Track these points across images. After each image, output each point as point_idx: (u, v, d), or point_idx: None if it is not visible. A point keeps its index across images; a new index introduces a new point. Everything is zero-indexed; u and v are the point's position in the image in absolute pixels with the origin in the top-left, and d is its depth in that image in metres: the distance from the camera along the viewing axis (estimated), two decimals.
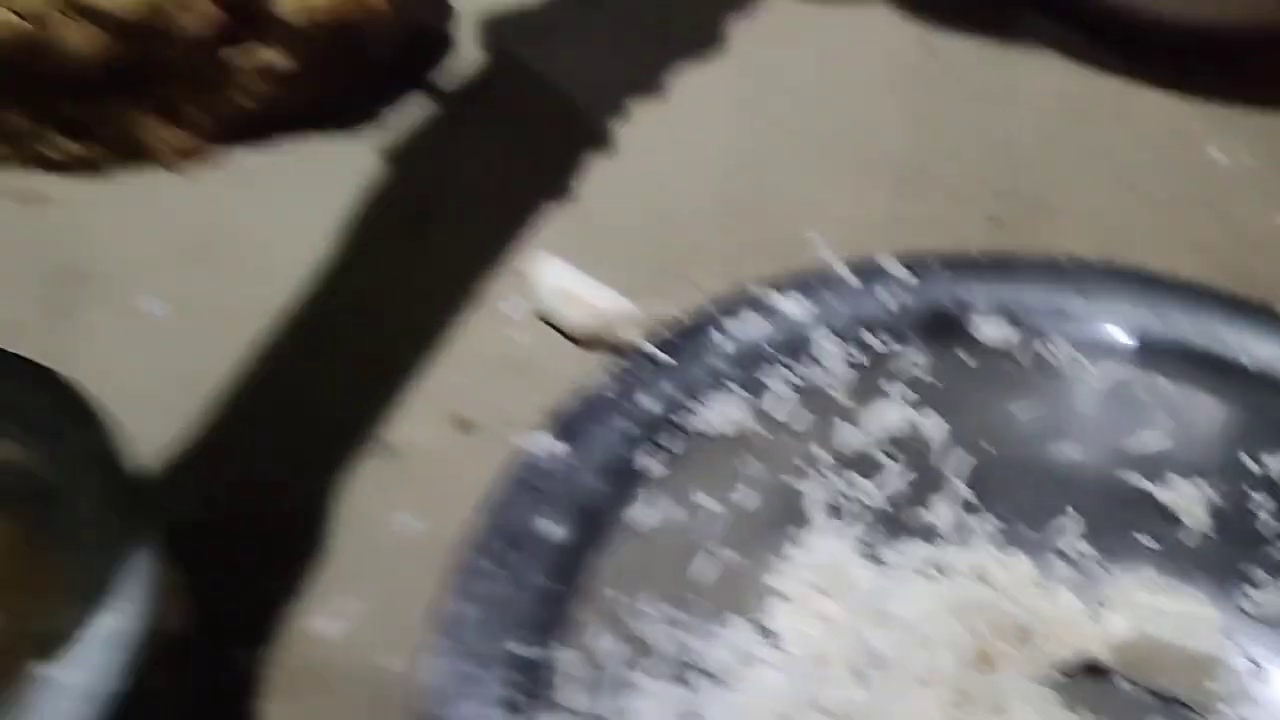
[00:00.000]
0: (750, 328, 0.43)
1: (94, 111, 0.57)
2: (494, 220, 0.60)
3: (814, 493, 0.41)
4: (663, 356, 0.41)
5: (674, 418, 0.39)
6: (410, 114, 0.65)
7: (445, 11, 0.70)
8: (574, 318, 0.54)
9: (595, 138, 0.65)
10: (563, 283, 0.55)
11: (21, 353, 0.38)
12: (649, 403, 0.40)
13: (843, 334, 0.43)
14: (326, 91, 0.63)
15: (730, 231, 0.61)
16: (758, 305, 0.43)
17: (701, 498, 0.39)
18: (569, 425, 0.39)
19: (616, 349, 0.53)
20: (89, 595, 0.30)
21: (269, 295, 0.54)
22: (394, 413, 0.51)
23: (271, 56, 0.59)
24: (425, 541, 0.44)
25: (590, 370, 0.52)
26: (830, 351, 0.42)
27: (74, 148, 0.58)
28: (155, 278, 0.54)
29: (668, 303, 0.55)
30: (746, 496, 0.40)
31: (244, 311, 0.53)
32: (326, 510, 0.46)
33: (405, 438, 0.50)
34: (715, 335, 0.42)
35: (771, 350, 0.42)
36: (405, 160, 0.62)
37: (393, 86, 0.66)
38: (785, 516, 0.40)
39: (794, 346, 0.42)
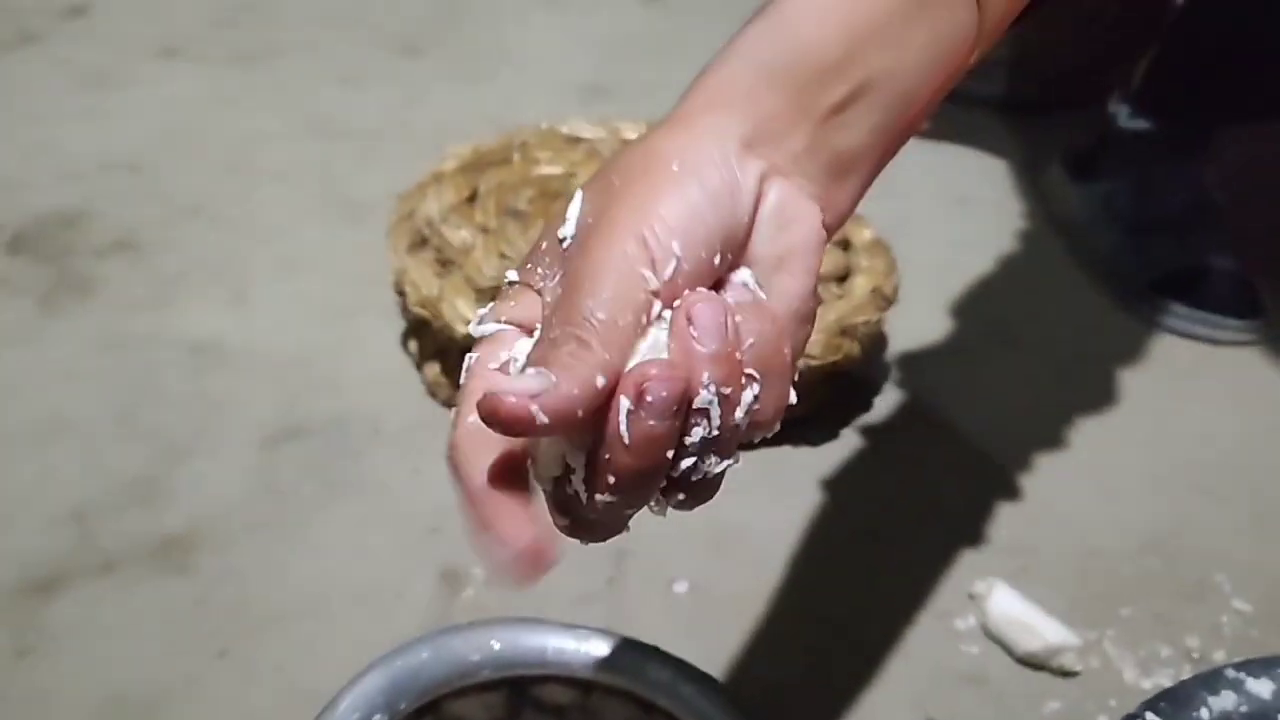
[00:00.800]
0: (1225, 702, 0.52)
1: None
2: (939, 545, 0.72)
3: None
4: (1153, 718, 0.51)
5: None
6: (850, 443, 0.79)
7: (880, 361, 0.85)
8: (1020, 640, 0.65)
9: (1006, 484, 0.76)
10: (1012, 608, 0.66)
11: (583, 617, 0.51)
12: None
13: None
14: (801, 411, 0.77)
15: (1148, 571, 0.71)
16: (1234, 684, 0.52)
17: None
18: None
19: (1059, 672, 0.64)
20: None
21: (764, 585, 0.68)
22: (871, 708, 0.62)
23: None
24: None
25: (1035, 689, 0.63)
26: None
27: None
28: (681, 561, 0.69)
29: (1097, 631, 0.66)
30: None
31: (746, 596, 0.67)
32: None
33: None
34: (1198, 706, 0.52)
35: None
36: (850, 484, 0.76)
37: (837, 415, 0.80)
38: None
39: None
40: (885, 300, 0.78)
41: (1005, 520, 0.74)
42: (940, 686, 0.64)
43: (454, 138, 0.87)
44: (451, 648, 0.49)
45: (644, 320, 0.31)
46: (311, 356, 0.81)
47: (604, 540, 0.34)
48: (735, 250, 0.34)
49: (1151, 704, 0.53)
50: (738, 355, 0.32)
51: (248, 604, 0.64)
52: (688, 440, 0.31)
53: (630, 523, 0.34)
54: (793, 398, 0.34)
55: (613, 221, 0.32)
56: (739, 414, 0.32)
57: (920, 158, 1.06)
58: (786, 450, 0.78)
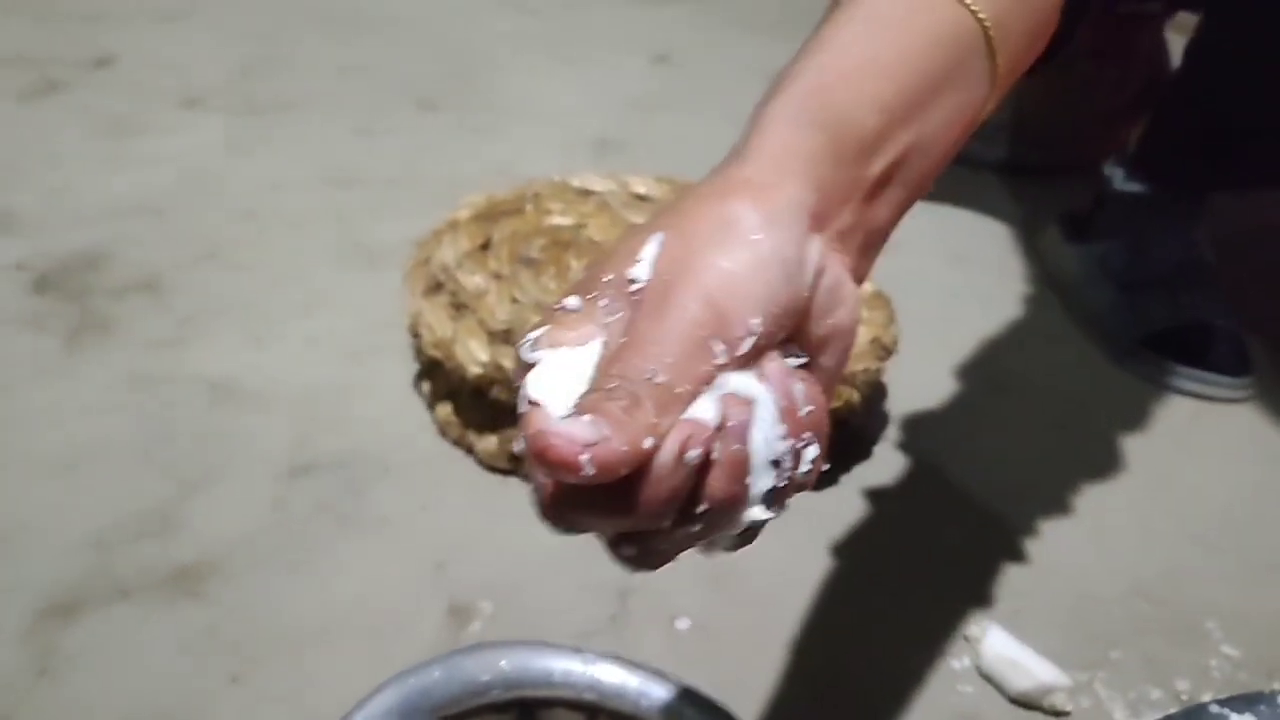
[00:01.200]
0: None
1: None
2: (935, 588, 0.73)
3: None
4: None
5: None
6: (849, 490, 0.81)
7: (880, 411, 0.87)
8: (1013, 680, 0.67)
9: (1000, 531, 0.78)
10: (1005, 649, 0.68)
11: (592, 651, 0.53)
12: None
13: None
14: None
15: (1139, 615, 0.73)
16: (1219, 719, 0.54)
17: None
18: None
19: (1050, 711, 0.65)
20: None
21: (765, 624, 0.69)
22: None
23: None
24: None
25: None
26: None
27: None
28: (683, 598, 0.70)
29: (1089, 673, 0.68)
30: None
31: (748, 634, 0.68)
32: None
33: None
34: None
35: None
36: (848, 528, 0.78)
37: (837, 463, 0.82)
38: None
39: None
40: (885, 350, 0.80)
41: (1000, 565, 0.76)
42: None
43: (467, 189, 0.90)
44: (462, 667, 0.51)
45: (702, 389, 0.32)
46: (325, 395, 0.83)
47: (653, 569, 0.35)
48: (796, 324, 0.35)
49: None
50: (800, 416, 0.33)
51: (259, 632, 0.65)
52: (754, 490, 0.33)
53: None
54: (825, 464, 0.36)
55: (690, 284, 0.33)
56: (801, 470, 0.34)
57: (921, 218, 1.08)
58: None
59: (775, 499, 0.34)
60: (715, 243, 0.33)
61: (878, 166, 0.37)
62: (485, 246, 0.84)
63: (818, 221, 0.35)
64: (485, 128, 1.20)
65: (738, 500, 0.33)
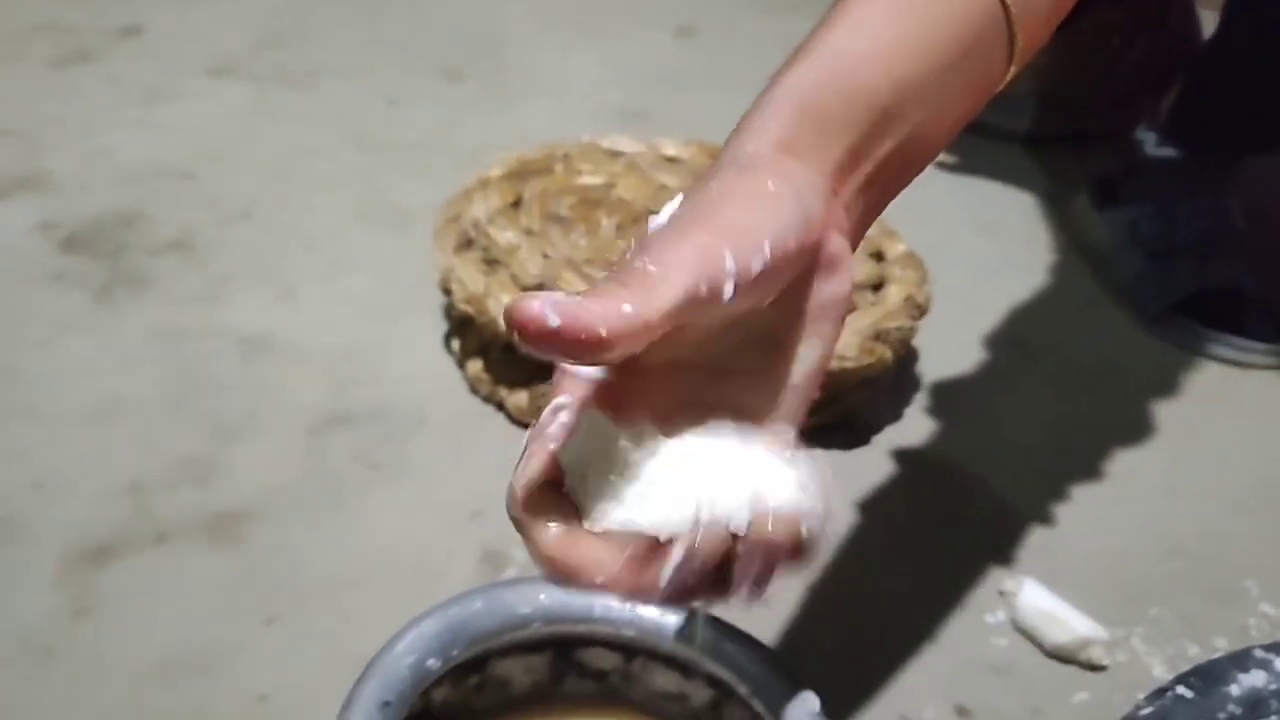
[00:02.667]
0: (1255, 679, 0.53)
1: None
2: (968, 546, 0.73)
3: None
4: (1184, 692, 0.52)
5: None
6: (881, 449, 0.81)
7: (911, 373, 0.87)
8: (1049, 633, 0.66)
9: (1033, 492, 0.78)
10: (1041, 602, 0.68)
11: None
12: None
13: None
14: (833, 417, 0.79)
15: (1176, 575, 0.73)
16: (1264, 664, 0.54)
17: None
18: None
19: (1087, 665, 0.65)
20: None
21: (802, 579, 0.69)
22: (902, 693, 0.63)
23: None
24: None
25: (1063, 680, 0.64)
26: None
27: None
28: None
29: (1125, 630, 0.68)
30: None
31: (781, 587, 0.68)
32: None
33: (917, 715, 0.62)
34: (1229, 683, 0.53)
35: (1275, 702, 0.52)
36: (880, 487, 0.78)
37: (868, 423, 0.82)
38: None
39: None
40: (918, 309, 0.80)
41: (1032, 526, 0.75)
42: (970, 677, 0.65)
43: (493, 156, 0.90)
44: (503, 599, 0.50)
45: (704, 292, 0.31)
46: (357, 351, 0.83)
47: None
48: (801, 282, 0.35)
49: (1183, 678, 0.54)
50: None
51: (295, 576, 0.65)
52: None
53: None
54: None
55: (703, 219, 0.33)
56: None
57: (949, 188, 1.09)
58: (818, 454, 0.79)
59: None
60: (729, 197, 0.34)
61: (889, 143, 0.38)
62: (516, 204, 0.84)
63: (828, 192, 0.36)
64: (509, 98, 1.20)
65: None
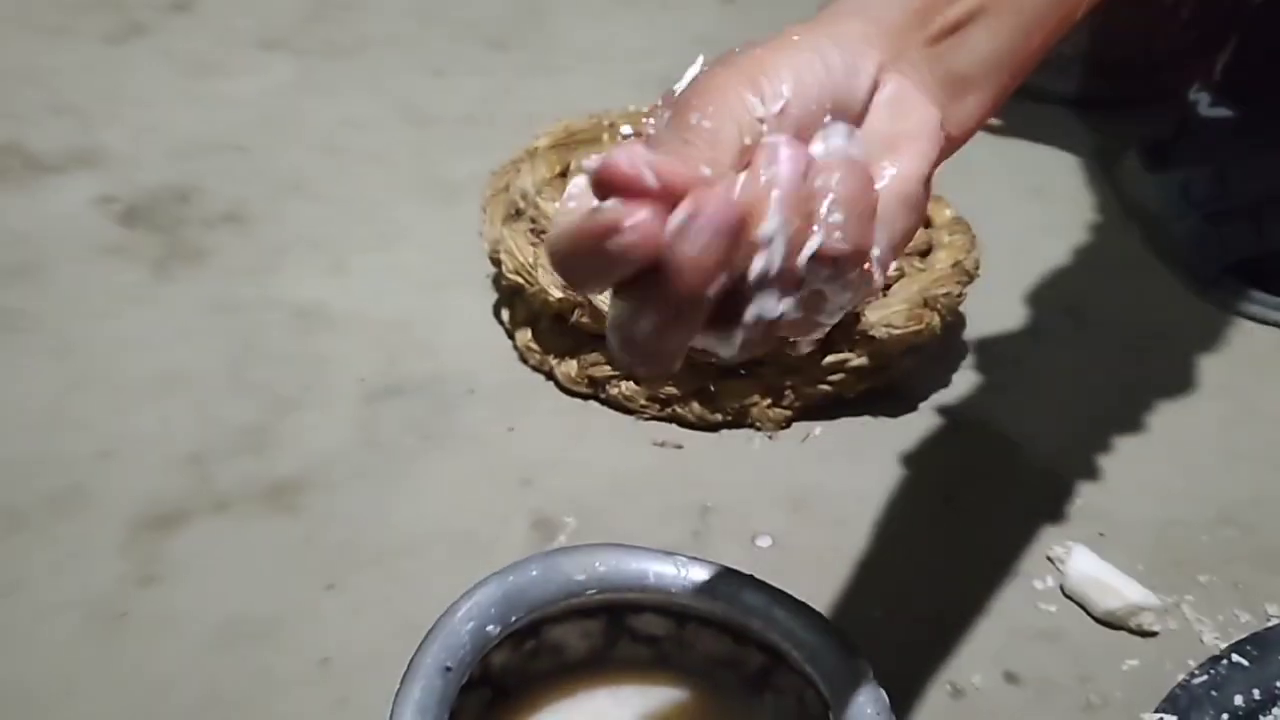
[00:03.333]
0: None
1: (721, 387, 0.76)
2: (1016, 511, 0.73)
3: None
4: (1240, 660, 0.52)
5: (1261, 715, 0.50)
6: (928, 416, 0.81)
7: (959, 339, 0.87)
8: (1099, 599, 0.66)
9: (1081, 458, 0.78)
10: (1091, 568, 0.68)
11: (683, 555, 0.54)
12: (1239, 699, 0.51)
13: None
14: (881, 384, 0.79)
15: (1227, 541, 0.72)
16: None
17: None
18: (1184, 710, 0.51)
19: (1137, 632, 0.65)
20: None
21: (844, 544, 0.70)
22: (950, 660, 0.64)
23: (853, 357, 0.77)
24: None
25: (1113, 647, 0.64)
26: None
27: (703, 412, 0.77)
28: (763, 519, 0.71)
29: (1176, 596, 0.68)
30: None
31: (828, 553, 0.69)
32: None
33: (966, 682, 0.62)
34: None
35: None
36: (928, 453, 0.78)
37: (916, 389, 0.82)
38: None
39: None
40: (966, 275, 0.80)
41: (1081, 491, 0.75)
42: (1018, 642, 0.65)
43: (539, 125, 0.91)
44: (559, 567, 0.51)
45: (747, 140, 0.32)
46: (409, 322, 0.84)
47: (657, 374, 0.35)
48: (847, 118, 0.35)
49: (1238, 646, 0.54)
50: (811, 206, 0.32)
51: (353, 543, 0.67)
52: (748, 275, 0.31)
53: (677, 361, 0.33)
54: (879, 279, 0.35)
55: (725, 64, 0.34)
56: (801, 257, 0.32)
57: (996, 151, 1.08)
58: (866, 420, 0.79)
59: (774, 286, 0.32)
60: (753, 47, 0.35)
61: (955, 11, 0.37)
62: (563, 174, 0.85)
63: (873, 45, 0.36)
64: (554, 68, 1.20)
65: (695, 281, 0.30)
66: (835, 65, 0.35)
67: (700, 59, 0.36)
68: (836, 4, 0.38)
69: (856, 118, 0.36)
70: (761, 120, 0.32)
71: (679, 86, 0.35)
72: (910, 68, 0.37)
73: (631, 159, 0.29)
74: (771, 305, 0.32)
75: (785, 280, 0.32)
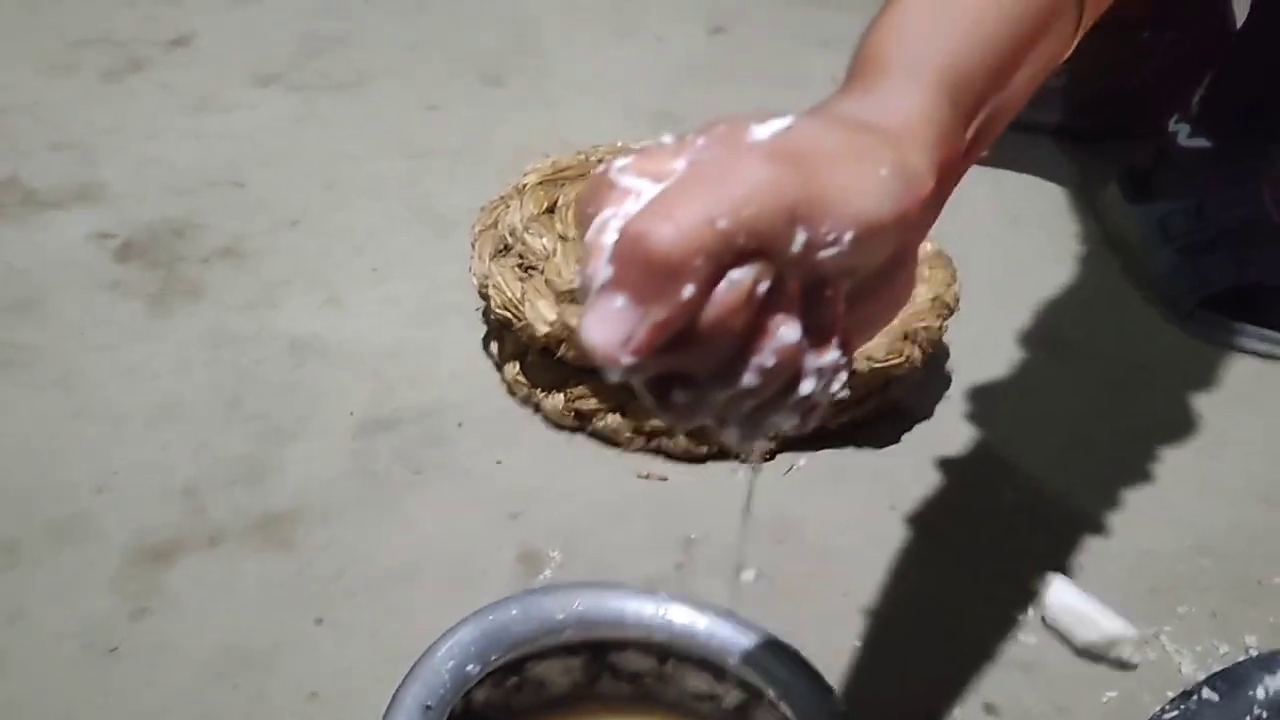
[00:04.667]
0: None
1: None
2: (997, 542, 0.75)
3: None
4: (1210, 695, 0.53)
5: None
6: (911, 447, 0.82)
7: (941, 370, 0.88)
8: (1078, 631, 0.68)
9: (1061, 488, 0.79)
10: (1070, 600, 0.69)
11: (664, 593, 0.55)
12: None
13: None
14: (864, 415, 0.81)
15: (1205, 572, 0.74)
16: None
17: None
18: None
19: (1116, 664, 0.66)
20: None
21: (826, 576, 0.71)
22: (929, 690, 0.65)
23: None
24: None
25: (1092, 679, 0.65)
26: None
27: (688, 445, 0.78)
28: (750, 552, 0.72)
29: (1154, 628, 0.69)
30: None
31: (810, 584, 0.70)
32: None
33: (945, 714, 0.64)
34: (1254, 686, 0.54)
35: None
36: (910, 485, 0.79)
37: (899, 421, 0.84)
38: None
39: None
40: (946, 308, 0.81)
41: (1061, 522, 0.76)
42: (997, 674, 0.66)
43: (532, 157, 0.92)
44: (539, 605, 0.53)
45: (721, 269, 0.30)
46: (401, 354, 0.86)
47: (692, 423, 0.34)
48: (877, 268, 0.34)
49: (1209, 681, 0.55)
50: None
51: (343, 576, 0.68)
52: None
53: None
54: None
55: (802, 157, 0.31)
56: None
57: (978, 181, 1.09)
58: (849, 452, 0.81)
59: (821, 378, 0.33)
60: (842, 150, 0.32)
61: (974, 128, 0.38)
62: (551, 210, 0.86)
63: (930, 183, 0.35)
64: (548, 100, 1.22)
65: (796, 353, 0.31)
66: (901, 208, 0.33)
67: (793, 120, 0.33)
68: (897, 102, 0.35)
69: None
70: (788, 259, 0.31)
71: (754, 131, 0.32)
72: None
73: (609, 343, 0.29)
74: (812, 386, 0.33)
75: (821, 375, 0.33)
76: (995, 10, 0.39)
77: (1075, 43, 0.42)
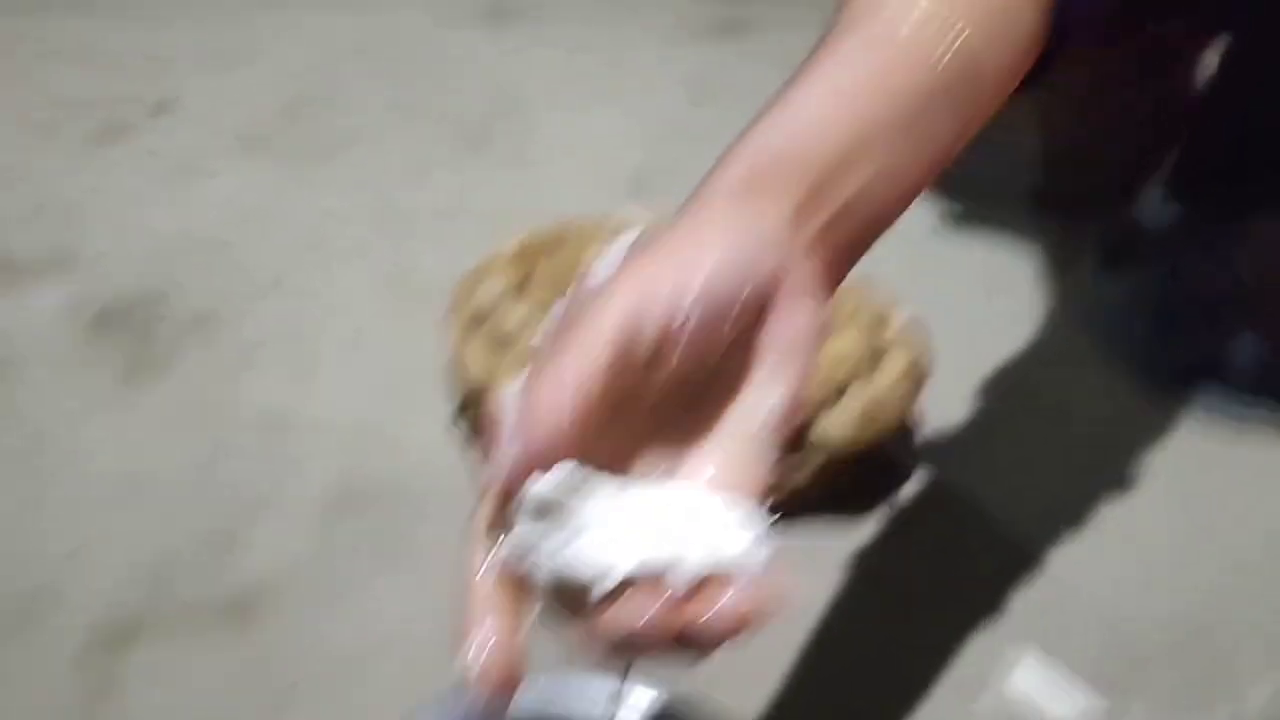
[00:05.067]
0: None
1: None
2: (966, 618, 0.74)
3: None
4: None
5: None
6: (881, 520, 0.82)
7: (912, 441, 0.88)
8: (1046, 708, 0.67)
9: (1033, 559, 0.79)
10: (1038, 677, 0.69)
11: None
12: None
13: None
14: (833, 489, 0.81)
15: (1178, 643, 0.73)
16: None
17: None
18: None
19: None
20: None
21: (789, 654, 0.70)
22: None
23: (805, 464, 0.78)
24: None
25: None
26: None
27: None
28: None
29: (1125, 702, 0.68)
30: None
31: (770, 664, 0.69)
32: None
33: None
34: None
35: None
36: (879, 559, 0.79)
37: (869, 493, 0.83)
38: None
39: None
40: (918, 382, 0.81)
41: (1033, 591, 0.76)
42: None
43: (512, 221, 0.93)
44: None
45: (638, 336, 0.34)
46: (371, 428, 0.86)
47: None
48: (762, 313, 0.36)
49: None
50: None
51: (306, 659, 0.68)
52: None
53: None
54: None
55: (643, 250, 0.36)
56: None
57: (951, 247, 1.10)
58: (818, 526, 0.80)
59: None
60: (670, 234, 0.36)
61: (852, 184, 0.38)
62: (525, 283, 0.86)
63: (785, 232, 0.36)
64: (529, 164, 1.23)
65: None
66: (749, 264, 0.35)
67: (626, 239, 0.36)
68: (735, 171, 0.38)
69: (754, 322, 0.36)
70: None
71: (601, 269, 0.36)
72: (802, 255, 0.37)
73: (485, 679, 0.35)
74: None
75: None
76: (871, 74, 0.39)
77: (972, 127, 0.41)
